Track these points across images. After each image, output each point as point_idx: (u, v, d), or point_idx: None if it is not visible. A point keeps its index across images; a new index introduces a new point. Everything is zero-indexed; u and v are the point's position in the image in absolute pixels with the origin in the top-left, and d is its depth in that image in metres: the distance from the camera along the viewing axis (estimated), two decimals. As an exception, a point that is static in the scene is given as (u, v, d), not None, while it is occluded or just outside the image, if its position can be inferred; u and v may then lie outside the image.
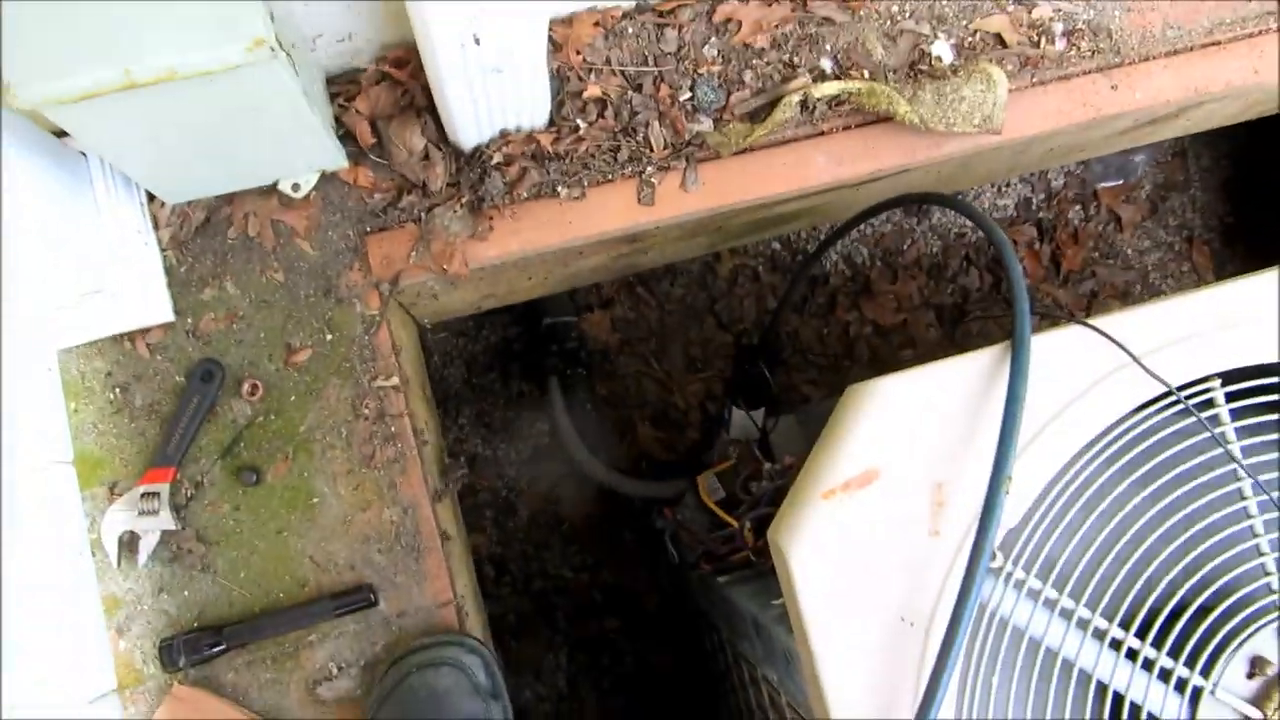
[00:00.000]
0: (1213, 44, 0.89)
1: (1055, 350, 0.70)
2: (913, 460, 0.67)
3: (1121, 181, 1.49)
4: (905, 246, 1.45)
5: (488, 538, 1.41)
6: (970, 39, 0.86)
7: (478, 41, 0.65)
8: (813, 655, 0.66)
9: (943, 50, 0.86)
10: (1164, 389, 0.69)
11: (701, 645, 1.32)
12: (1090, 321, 0.70)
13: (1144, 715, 0.68)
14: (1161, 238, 1.51)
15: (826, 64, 0.85)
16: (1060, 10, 0.87)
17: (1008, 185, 1.49)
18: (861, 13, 0.86)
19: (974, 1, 0.87)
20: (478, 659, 0.74)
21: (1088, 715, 0.70)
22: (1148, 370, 0.69)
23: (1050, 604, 0.68)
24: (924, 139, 0.85)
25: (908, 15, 0.86)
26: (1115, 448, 0.70)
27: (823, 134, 0.85)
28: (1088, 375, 0.70)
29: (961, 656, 0.66)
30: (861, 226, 1.44)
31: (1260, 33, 0.90)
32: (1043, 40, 0.87)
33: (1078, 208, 1.49)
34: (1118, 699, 0.69)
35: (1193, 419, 0.70)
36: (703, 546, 1.12)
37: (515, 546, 1.42)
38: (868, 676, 0.65)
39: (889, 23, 0.86)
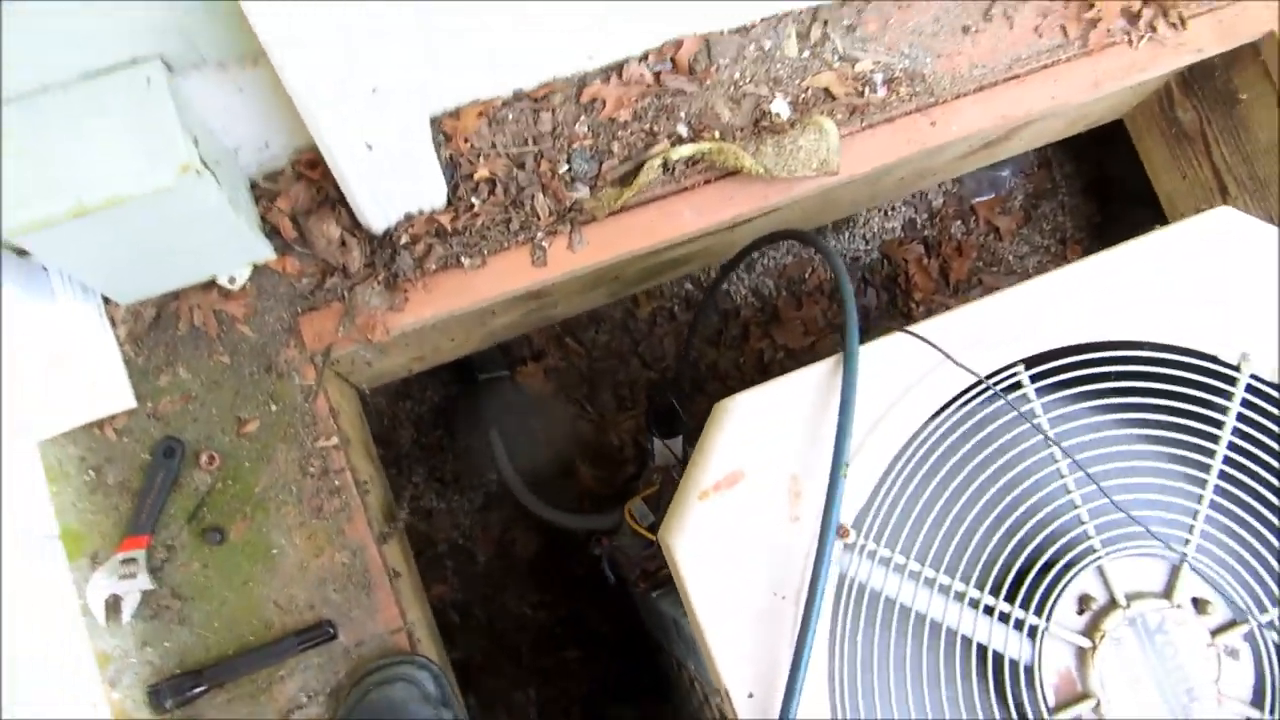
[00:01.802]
0: (1013, 78, 1.04)
1: (884, 355, 0.83)
2: (770, 460, 0.80)
3: (994, 195, 1.64)
4: (806, 275, 1.59)
5: (449, 586, 1.52)
6: (804, 95, 1.01)
7: (370, 148, 0.78)
8: (702, 633, 0.78)
9: (780, 107, 1.00)
10: (975, 378, 0.83)
11: (653, 658, 1.43)
12: (910, 329, 0.84)
13: (990, 655, 0.81)
14: (1038, 242, 1.66)
15: (682, 129, 0.99)
16: (879, 63, 1.02)
17: (893, 209, 1.63)
18: (708, 82, 1.00)
19: (805, 62, 1.01)
20: (427, 673, 0.85)
21: (941, 658, 0.82)
22: (958, 363, 0.82)
23: (900, 569, 0.80)
24: (774, 185, 0.99)
25: (748, 80, 1.00)
26: (943, 430, 0.83)
27: (686, 189, 0.99)
28: (914, 372, 0.83)
29: (829, 620, 0.78)
30: (765, 260, 1.58)
31: (1053, 64, 1.05)
32: (866, 90, 1.01)
33: (959, 223, 1.64)
34: (968, 644, 0.81)
35: (1003, 402, 0.83)
36: (639, 567, 1.24)
37: (476, 591, 1.52)
38: (750, 646, 0.77)
39: (733, 88, 1.00)
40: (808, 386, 0.82)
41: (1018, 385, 0.85)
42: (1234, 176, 1.23)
